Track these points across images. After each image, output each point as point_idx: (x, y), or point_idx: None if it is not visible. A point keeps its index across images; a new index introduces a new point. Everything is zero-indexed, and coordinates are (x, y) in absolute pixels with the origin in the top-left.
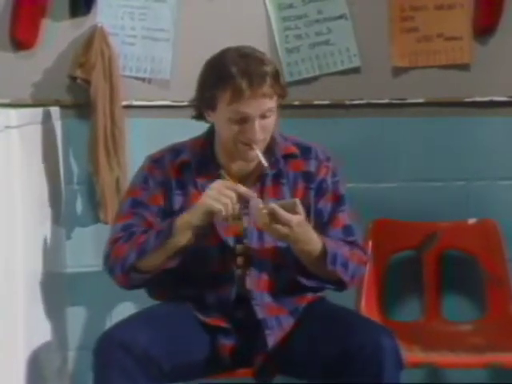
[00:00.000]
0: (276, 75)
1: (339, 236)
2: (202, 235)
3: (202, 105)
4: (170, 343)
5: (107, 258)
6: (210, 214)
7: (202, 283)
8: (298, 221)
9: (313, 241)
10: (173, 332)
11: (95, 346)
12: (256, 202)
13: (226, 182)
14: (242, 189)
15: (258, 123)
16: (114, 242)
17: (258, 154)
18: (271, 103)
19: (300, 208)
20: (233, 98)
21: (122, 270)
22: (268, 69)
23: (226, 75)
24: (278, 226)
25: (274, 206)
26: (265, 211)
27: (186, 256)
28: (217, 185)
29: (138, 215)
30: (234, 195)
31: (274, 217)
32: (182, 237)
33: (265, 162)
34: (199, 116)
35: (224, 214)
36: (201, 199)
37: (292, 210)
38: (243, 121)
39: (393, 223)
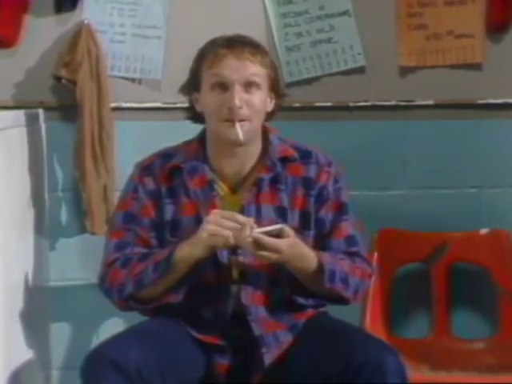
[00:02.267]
0: (269, 59)
1: (341, 247)
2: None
3: (189, 88)
4: (162, 361)
5: (103, 280)
6: (212, 248)
7: (197, 298)
8: (287, 245)
9: (306, 257)
10: (165, 349)
11: (83, 364)
12: (242, 230)
13: (223, 213)
14: (241, 218)
15: (238, 89)
16: (109, 264)
17: (236, 125)
18: (256, 70)
19: (288, 233)
20: (212, 61)
21: (120, 296)
22: (260, 48)
23: (208, 48)
24: (266, 253)
25: (258, 235)
26: (249, 240)
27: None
28: (214, 217)
29: (131, 231)
30: (233, 224)
31: (260, 244)
32: (182, 269)
33: (240, 133)
34: (190, 109)
35: (226, 245)
36: (200, 234)
37: (280, 235)
38: (224, 88)
39: (399, 234)
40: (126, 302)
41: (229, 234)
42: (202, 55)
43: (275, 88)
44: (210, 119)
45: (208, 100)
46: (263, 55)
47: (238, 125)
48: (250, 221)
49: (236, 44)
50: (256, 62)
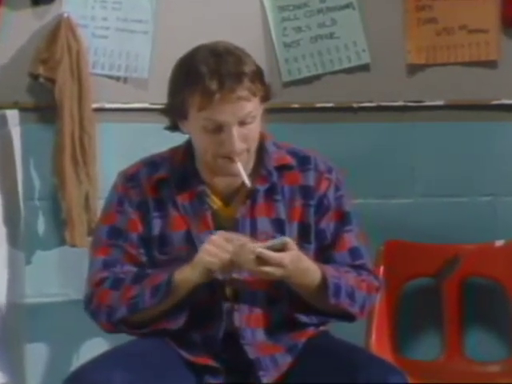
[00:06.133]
0: (256, 75)
1: (346, 260)
2: (182, 263)
3: (173, 113)
4: None
5: (89, 301)
6: (209, 271)
7: (186, 317)
8: (290, 259)
9: (309, 272)
10: (153, 371)
11: None
12: (241, 246)
13: (227, 235)
14: (245, 240)
15: (236, 131)
16: (96, 284)
17: (240, 169)
18: (251, 107)
19: (291, 245)
20: (202, 103)
21: (109, 319)
22: (245, 68)
23: (193, 77)
24: (270, 269)
25: (260, 250)
26: (251, 256)
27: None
28: (216, 238)
29: (118, 248)
30: (234, 249)
31: (262, 260)
32: (180, 293)
33: (247, 180)
34: (173, 126)
35: (222, 270)
36: (198, 254)
37: (282, 249)
38: (219, 129)
39: (407, 246)
40: (116, 326)
41: (227, 257)
42: (186, 84)
43: (266, 99)
44: (204, 153)
45: (199, 138)
46: (251, 77)
47: (241, 169)
48: (253, 245)
49: (225, 79)
50: (249, 96)
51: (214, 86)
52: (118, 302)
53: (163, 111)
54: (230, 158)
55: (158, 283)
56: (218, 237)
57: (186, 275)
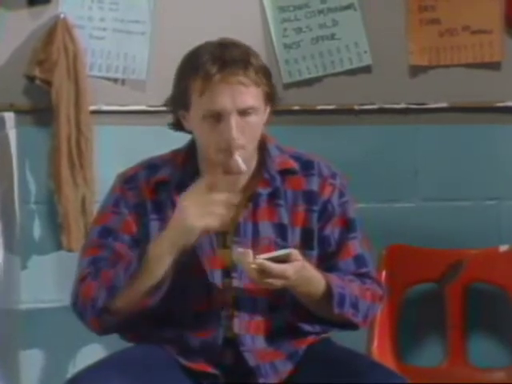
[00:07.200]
0: (262, 69)
1: (350, 268)
2: (181, 266)
3: (176, 105)
4: None
5: (75, 300)
6: (198, 235)
7: (184, 323)
8: (294, 270)
9: (313, 281)
10: (150, 379)
11: None
12: (244, 255)
13: (197, 190)
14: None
15: (234, 120)
16: (81, 280)
17: (237, 158)
18: (252, 96)
19: (296, 257)
20: (203, 86)
21: (93, 312)
22: (252, 59)
23: (197, 63)
24: (272, 280)
25: (262, 261)
26: (254, 266)
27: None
28: (195, 196)
29: (108, 247)
30: (224, 209)
31: (264, 272)
32: (157, 269)
33: (242, 165)
34: (176, 124)
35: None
36: (188, 223)
37: (287, 259)
38: (218, 119)
39: (410, 250)
40: (100, 318)
41: (222, 213)
42: (190, 71)
43: (271, 98)
44: (206, 148)
45: (201, 129)
46: (256, 69)
47: (237, 156)
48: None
49: (227, 64)
50: (250, 83)
51: (214, 69)
52: (98, 289)
53: (167, 104)
54: (229, 152)
55: (130, 260)
56: (194, 194)
57: (162, 249)
